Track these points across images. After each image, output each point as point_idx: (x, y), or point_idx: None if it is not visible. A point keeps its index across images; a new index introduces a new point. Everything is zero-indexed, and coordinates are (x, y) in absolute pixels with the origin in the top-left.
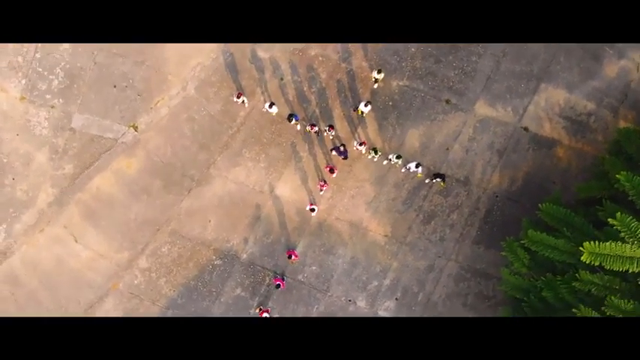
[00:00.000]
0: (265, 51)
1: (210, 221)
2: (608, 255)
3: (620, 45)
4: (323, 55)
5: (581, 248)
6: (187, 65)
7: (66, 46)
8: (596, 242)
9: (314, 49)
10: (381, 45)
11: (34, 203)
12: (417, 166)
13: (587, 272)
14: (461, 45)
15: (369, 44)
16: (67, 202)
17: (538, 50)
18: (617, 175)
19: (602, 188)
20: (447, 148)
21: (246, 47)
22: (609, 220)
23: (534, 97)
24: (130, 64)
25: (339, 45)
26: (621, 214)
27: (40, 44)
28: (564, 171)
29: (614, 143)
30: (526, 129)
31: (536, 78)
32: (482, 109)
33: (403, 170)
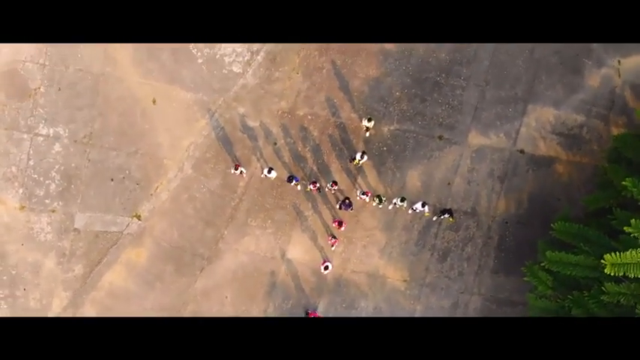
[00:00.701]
0: (254, 119)
1: (227, 297)
2: (630, 264)
3: (597, 54)
4: (311, 113)
5: (602, 261)
6: (181, 146)
7: (58, 148)
8: (617, 253)
9: (302, 108)
10: (366, 94)
11: (49, 310)
12: (422, 206)
13: (613, 283)
14: (442, 81)
15: (355, 95)
16: (82, 304)
17: (519, 73)
18: (622, 183)
19: (610, 197)
20: (449, 183)
21: (236, 118)
22: (625, 228)
23: (524, 119)
24: (124, 156)
25: (325, 101)
26: (635, 220)
27: (31, 151)
28: (567, 186)
29: (612, 151)
30: (522, 151)
31: (522, 100)
32: (475, 139)
33: (410, 212)
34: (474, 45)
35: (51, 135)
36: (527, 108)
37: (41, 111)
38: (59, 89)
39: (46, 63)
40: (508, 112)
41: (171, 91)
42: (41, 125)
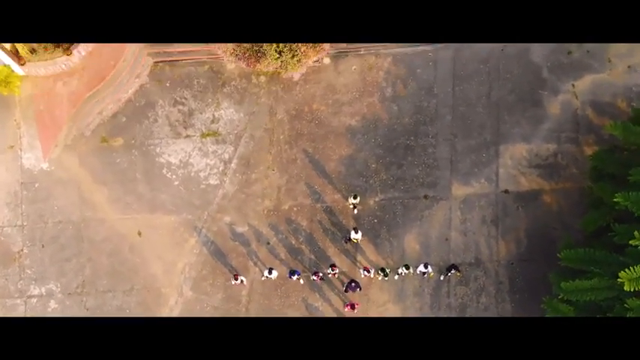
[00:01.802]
0: (242, 225)
1: None
2: None
3: (551, 83)
4: (296, 205)
5: (618, 279)
6: (175, 271)
7: (54, 304)
8: (630, 268)
9: (286, 203)
10: (343, 173)
11: None
12: (426, 267)
13: (634, 298)
14: (413, 144)
15: (333, 177)
16: None
17: (482, 119)
18: (614, 199)
19: (605, 215)
20: (446, 239)
21: (224, 229)
22: (630, 242)
23: (499, 160)
24: (121, 295)
25: (306, 190)
26: (639, 231)
27: (27, 314)
28: (559, 214)
29: (593, 170)
30: (506, 191)
31: (493, 143)
32: (459, 190)
33: (418, 272)
34: (433, 103)
35: (44, 293)
36: (500, 149)
37: (29, 272)
38: (43, 246)
39: (24, 223)
40: (483, 158)
41: (154, 219)
42: (32, 286)
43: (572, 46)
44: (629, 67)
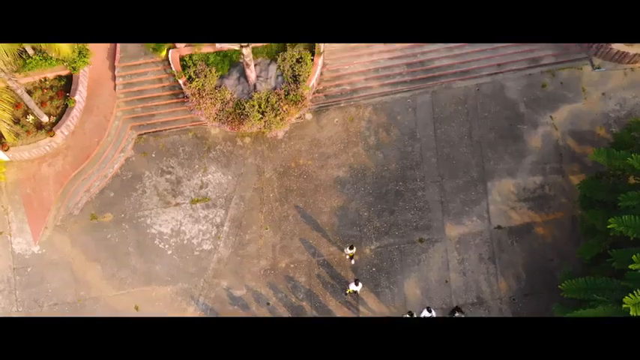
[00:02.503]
0: (240, 288)
1: None
2: None
3: (528, 117)
4: (293, 261)
5: (623, 306)
6: None
7: None
8: (634, 292)
9: (282, 260)
10: (337, 224)
11: None
12: (429, 311)
13: None
14: (402, 189)
15: (327, 229)
16: None
17: (467, 159)
18: (608, 226)
19: (601, 241)
20: (446, 281)
21: (222, 294)
22: (630, 266)
23: (489, 197)
24: None
25: (301, 245)
26: (637, 255)
27: None
28: (554, 245)
29: (582, 198)
30: (499, 227)
31: (480, 181)
32: (453, 231)
33: (422, 317)
34: (417, 147)
35: None
36: (487, 186)
37: None
38: None
39: (19, 309)
40: (472, 196)
41: (150, 291)
42: None
43: (546, 79)
44: (603, 94)
